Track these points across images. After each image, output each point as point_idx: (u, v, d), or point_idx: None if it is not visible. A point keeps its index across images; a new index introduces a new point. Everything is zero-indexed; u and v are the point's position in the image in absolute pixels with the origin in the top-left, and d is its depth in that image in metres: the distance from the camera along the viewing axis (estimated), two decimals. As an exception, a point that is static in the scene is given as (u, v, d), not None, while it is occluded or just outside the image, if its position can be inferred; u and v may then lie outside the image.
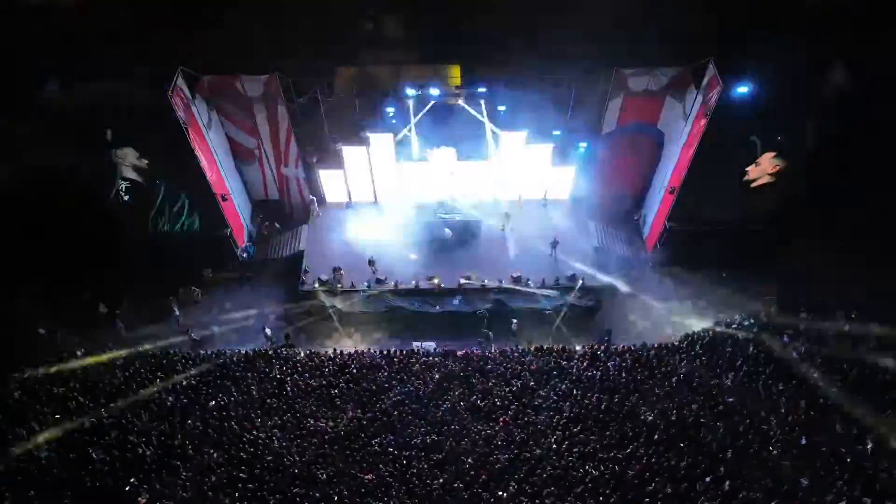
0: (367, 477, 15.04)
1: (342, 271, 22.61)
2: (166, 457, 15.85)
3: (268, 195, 26.09)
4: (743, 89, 18.06)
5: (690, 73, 20.13)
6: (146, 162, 19.53)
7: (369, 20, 23.95)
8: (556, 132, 22.11)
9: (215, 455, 15.91)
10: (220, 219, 22.13)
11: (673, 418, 16.53)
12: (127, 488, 14.87)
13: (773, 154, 19.82)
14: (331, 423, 16.88)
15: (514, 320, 21.64)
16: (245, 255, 24.46)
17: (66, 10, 19.53)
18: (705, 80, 19.05)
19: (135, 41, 18.31)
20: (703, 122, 18.83)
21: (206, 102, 21.11)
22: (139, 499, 14.27)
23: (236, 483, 15.06)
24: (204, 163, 20.06)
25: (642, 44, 19.47)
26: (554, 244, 23.13)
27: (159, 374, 18.58)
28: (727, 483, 14.64)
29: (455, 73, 23.33)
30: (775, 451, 15.44)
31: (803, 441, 15.58)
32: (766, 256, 22.34)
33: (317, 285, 22.29)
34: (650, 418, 16.47)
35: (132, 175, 19.96)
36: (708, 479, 14.77)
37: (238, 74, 20.42)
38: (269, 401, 17.63)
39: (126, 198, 20.63)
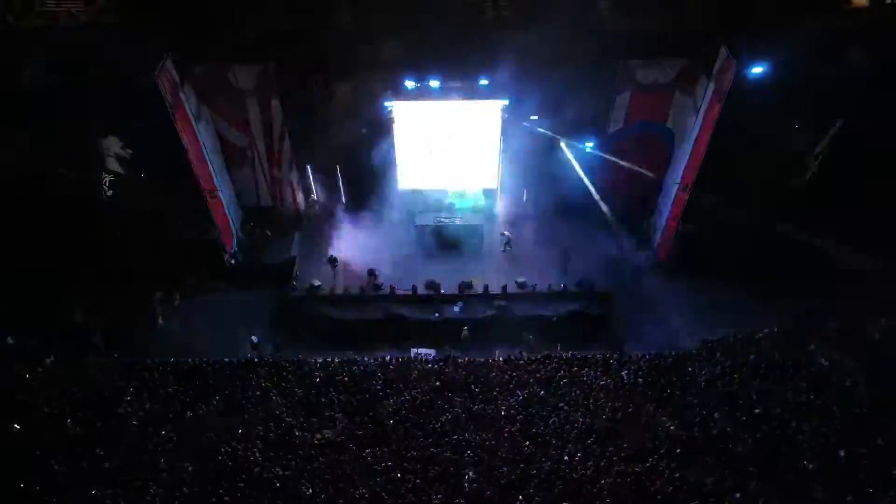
0: (357, 492, 13.52)
1: (338, 261, 21.40)
2: (135, 470, 14.38)
3: (259, 201, 24.96)
4: (758, 69, 17.08)
5: (700, 65, 19.22)
6: (130, 152, 18.43)
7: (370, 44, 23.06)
8: (590, 144, 21.27)
9: (189, 468, 14.44)
10: (206, 218, 20.89)
11: (696, 429, 15.10)
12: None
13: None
14: (318, 435, 15.42)
15: (465, 328, 20.32)
16: (233, 261, 23.18)
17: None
18: (717, 66, 18.10)
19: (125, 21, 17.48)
20: (716, 107, 17.81)
21: (197, 95, 20.13)
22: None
23: (210, 498, 13.55)
24: (191, 153, 18.91)
25: (650, 34, 18.63)
26: (566, 257, 21.90)
27: (133, 381, 17.15)
28: (761, 500, 13.23)
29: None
30: (811, 465, 13.98)
31: (842, 454, 14.12)
32: (791, 260, 20.97)
33: (308, 287, 21.04)
34: (671, 429, 15.01)
35: (116, 167, 18.85)
36: (738, 494, 13.29)
37: (230, 64, 19.49)
38: (251, 410, 16.18)
39: (109, 193, 19.47)
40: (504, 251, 23.10)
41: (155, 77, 16.84)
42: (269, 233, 24.74)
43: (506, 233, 22.82)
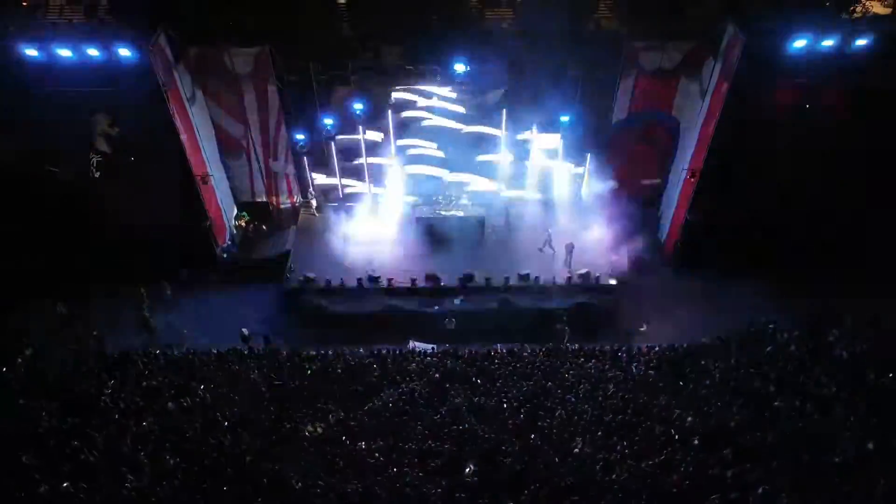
0: (350, 486, 12.57)
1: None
2: (114, 462, 13.42)
3: (254, 195, 24.21)
4: (800, 43, 16.32)
5: (707, 47, 18.57)
6: (118, 130, 17.68)
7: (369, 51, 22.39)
8: (565, 117, 20.31)
9: (171, 462, 13.49)
10: (198, 207, 20.09)
11: (712, 422, 14.20)
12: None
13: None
14: (310, 428, 14.51)
15: (447, 319, 19.52)
16: (225, 255, 22.37)
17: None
18: (724, 44, 17.52)
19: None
20: (724, 86, 17.19)
21: (192, 77, 19.47)
22: None
23: (195, 493, 12.58)
24: (183, 135, 18.22)
25: (655, 16, 18.09)
26: (570, 249, 21.12)
27: (115, 373, 16.26)
28: (783, 496, 12.29)
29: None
30: (838, 459, 13.07)
31: (871, 446, 13.22)
32: (806, 251, 20.06)
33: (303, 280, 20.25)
34: (688, 421, 14.12)
35: (104, 147, 18.09)
36: (760, 490, 12.35)
37: (226, 47, 18.85)
38: (240, 402, 15.30)
39: (97, 174, 18.65)
40: (542, 250, 21.77)
41: (148, 51, 16.19)
42: (264, 227, 24.03)
43: (549, 230, 21.77)
